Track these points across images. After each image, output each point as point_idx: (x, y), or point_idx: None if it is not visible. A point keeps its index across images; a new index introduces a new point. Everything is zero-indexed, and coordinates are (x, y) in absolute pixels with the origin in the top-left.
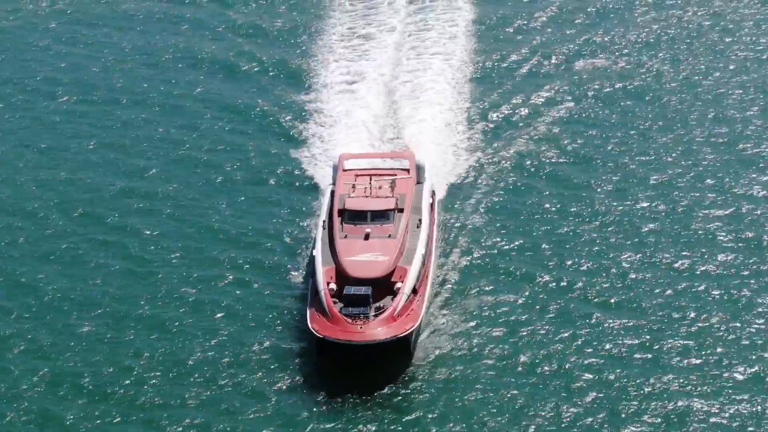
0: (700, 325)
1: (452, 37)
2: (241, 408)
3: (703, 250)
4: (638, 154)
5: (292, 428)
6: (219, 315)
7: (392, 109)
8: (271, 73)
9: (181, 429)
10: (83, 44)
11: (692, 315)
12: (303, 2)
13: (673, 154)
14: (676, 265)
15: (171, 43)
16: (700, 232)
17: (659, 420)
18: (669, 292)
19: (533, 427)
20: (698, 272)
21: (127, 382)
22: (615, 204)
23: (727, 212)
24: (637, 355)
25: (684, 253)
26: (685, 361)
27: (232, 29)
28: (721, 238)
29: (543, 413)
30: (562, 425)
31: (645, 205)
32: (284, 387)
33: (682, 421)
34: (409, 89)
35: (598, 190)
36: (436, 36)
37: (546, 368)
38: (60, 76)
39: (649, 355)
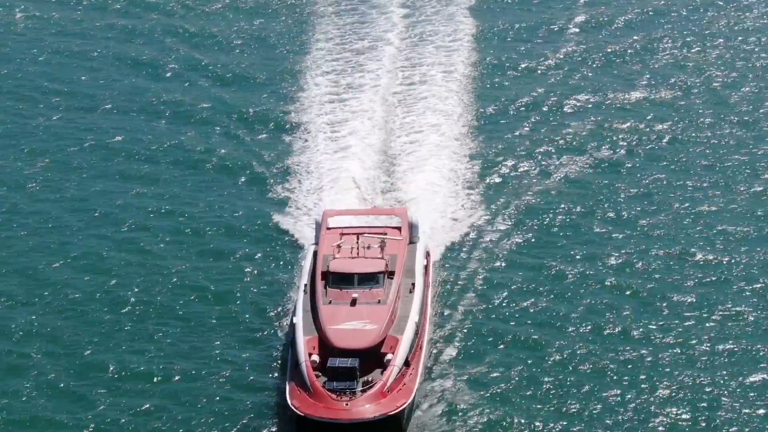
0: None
1: (450, 80)
2: None
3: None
4: (650, 212)
5: None
6: (185, 388)
7: (384, 159)
8: (249, 119)
9: None
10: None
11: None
12: (284, 45)
13: (688, 219)
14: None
15: (138, 91)
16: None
17: None
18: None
19: None
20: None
21: None
22: (627, 269)
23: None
24: None
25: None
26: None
27: (209, 74)
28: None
29: None
30: None
31: (656, 273)
32: None
33: None
34: (403, 137)
35: (609, 252)
36: (432, 78)
37: None
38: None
39: None
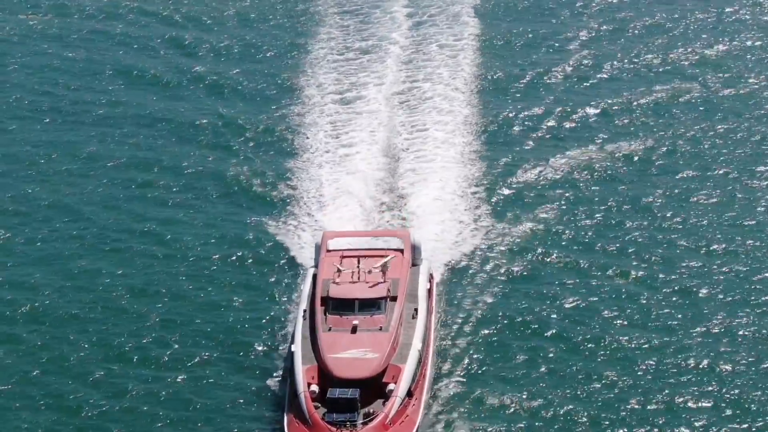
0: None
1: (454, 90)
2: None
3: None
4: (667, 233)
5: None
6: (179, 415)
7: (386, 176)
8: (247, 134)
9: None
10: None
11: None
12: (284, 56)
13: (706, 220)
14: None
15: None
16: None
17: None
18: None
19: None
20: None
21: None
22: (641, 292)
23: None
24: None
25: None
26: None
27: (206, 83)
28: None
29: None
30: None
31: (673, 297)
32: None
33: None
34: (406, 156)
35: (622, 274)
36: (436, 93)
37: None
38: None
39: None
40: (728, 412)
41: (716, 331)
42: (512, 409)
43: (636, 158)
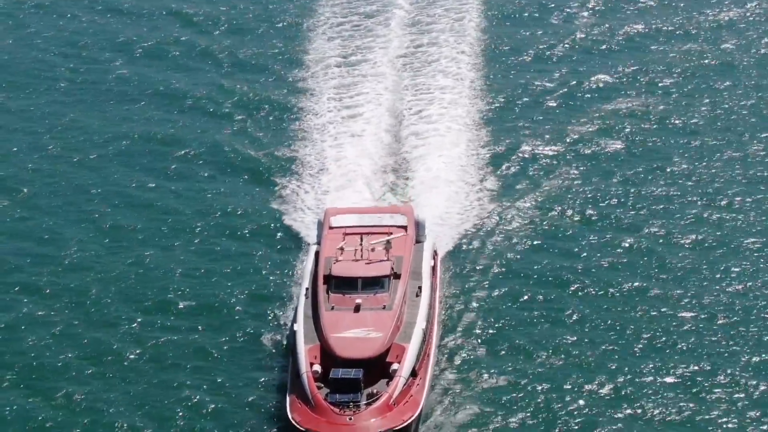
0: None
1: (460, 68)
2: None
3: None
4: (674, 210)
5: None
6: (177, 400)
7: (390, 151)
8: (249, 114)
9: None
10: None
11: None
12: (288, 30)
13: (705, 200)
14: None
15: (144, 79)
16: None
17: None
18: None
19: None
20: None
21: None
22: (648, 269)
23: None
24: None
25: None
26: None
27: (210, 59)
28: None
29: None
30: None
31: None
32: None
33: None
34: (410, 131)
35: (629, 250)
36: (443, 66)
37: None
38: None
39: None
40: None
41: (739, 287)
42: (518, 388)
43: (647, 127)
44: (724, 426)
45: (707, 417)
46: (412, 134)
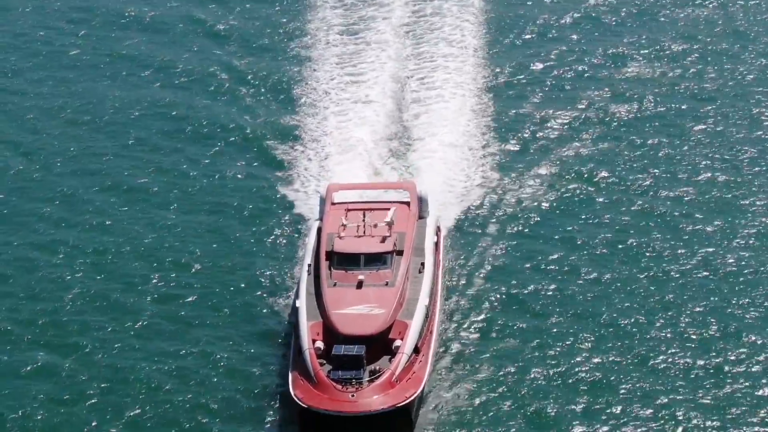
0: None
1: (463, 46)
2: None
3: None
4: (679, 183)
5: None
6: (181, 377)
7: (393, 129)
8: (252, 86)
9: None
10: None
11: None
12: (291, 7)
13: (704, 178)
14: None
15: (143, 53)
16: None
17: None
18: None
19: None
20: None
21: None
22: (654, 243)
23: None
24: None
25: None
26: None
27: (210, 37)
28: None
29: None
30: None
31: (683, 246)
32: None
33: None
34: (413, 107)
35: (633, 225)
36: (446, 34)
37: None
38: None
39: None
40: None
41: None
42: (522, 365)
43: (657, 92)
44: (745, 380)
45: (718, 370)
46: (415, 101)
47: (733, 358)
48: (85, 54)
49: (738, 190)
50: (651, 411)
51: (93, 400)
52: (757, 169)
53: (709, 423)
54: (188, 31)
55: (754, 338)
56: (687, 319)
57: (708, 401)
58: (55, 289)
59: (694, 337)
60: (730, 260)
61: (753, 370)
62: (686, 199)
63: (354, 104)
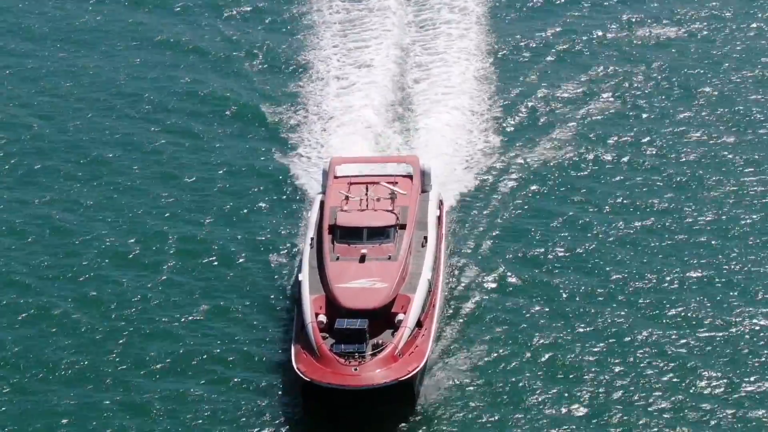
0: None
1: (467, 24)
2: None
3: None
4: (681, 159)
5: None
6: (183, 351)
7: (396, 101)
8: (254, 61)
9: None
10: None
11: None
12: None
13: (706, 160)
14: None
15: (140, 27)
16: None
17: None
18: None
19: None
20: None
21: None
22: (657, 218)
23: None
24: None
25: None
26: None
27: (212, 11)
28: None
29: None
30: None
31: (689, 220)
32: None
33: None
34: (416, 81)
35: (637, 202)
36: (448, 19)
37: (572, 419)
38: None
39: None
40: None
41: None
42: (524, 337)
43: (660, 72)
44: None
45: (729, 324)
46: (417, 66)
47: (740, 310)
48: (98, 24)
49: (748, 151)
50: (664, 362)
51: (112, 353)
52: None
53: (721, 375)
54: (188, 1)
55: (762, 294)
56: (697, 274)
57: (721, 354)
58: (75, 246)
59: (702, 288)
60: (740, 220)
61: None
62: (696, 159)
63: (356, 70)
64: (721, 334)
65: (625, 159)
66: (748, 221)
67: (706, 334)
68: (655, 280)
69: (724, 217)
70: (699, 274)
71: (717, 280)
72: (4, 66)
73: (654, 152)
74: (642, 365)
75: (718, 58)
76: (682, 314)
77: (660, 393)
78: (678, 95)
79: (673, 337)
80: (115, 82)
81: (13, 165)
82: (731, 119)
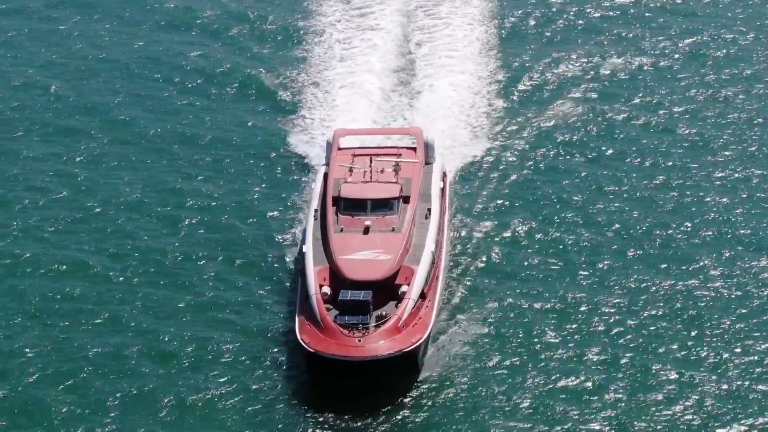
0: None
1: None
2: None
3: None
4: (691, 118)
5: None
6: (187, 321)
7: (399, 75)
8: (255, 32)
9: None
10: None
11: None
12: None
13: (712, 134)
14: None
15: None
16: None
17: None
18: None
19: None
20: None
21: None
22: (667, 175)
23: None
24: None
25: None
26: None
27: None
28: None
29: None
30: None
31: (699, 178)
32: (266, 410)
33: None
34: (420, 52)
35: (641, 174)
36: None
37: (575, 392)
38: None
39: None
40: None
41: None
42: (526, 309)
43: (665, 42)
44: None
45: (741, 284)
46: (420, 30)
47: (749, 265)
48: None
49: (758, 110)
50: (674, 312)
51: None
52: None
53: (730, 324)
54: None
55: None
56: (708, 230)
57: (729, 305)
58: (96, 202)
59: (711, 243)
60: (751, 177)
61: None
62: (706, 118)
63: (360, 33)
64: (730, 286)
65: (634, 120)
66: (757, 178)
67: (717, 285)
68: (665, 236)
69: (735, 175)
70: (709, 231)
71: (727, 235)
72: (23, 28)
73: (663, 112)
74: (652, 316)
75: (727, 20)
76: (693, 268)
77: (670, 341)
78: (687, 56)
79: (683, 289)
80: (131, 47)
81: (36, 124)
82: (740, 79)
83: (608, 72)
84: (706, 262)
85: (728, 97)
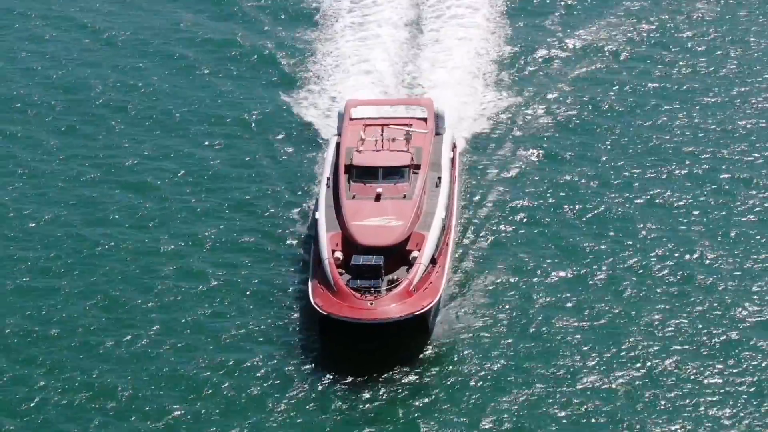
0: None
1: None
2: (231, 396)
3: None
4: (699, 102)
5: (291, 415)
6: (204, 286)
7: (410, 44)
8: (268, 5)
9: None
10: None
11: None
12: None
13: (716, 116)
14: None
15: None
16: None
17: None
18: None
19: (557, 419)
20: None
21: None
22: (670, 166)
23: None
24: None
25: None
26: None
27: None
28: None
29: (568, 407)
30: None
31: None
32: (281, 371)
33: None
34: (430, 24)
35: (650, 144)
36: None
37: (580, 357)
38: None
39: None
40: None
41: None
42: (534, 275)
43: (673, 25)
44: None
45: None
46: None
47: (755, 249)
48: None
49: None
50: (679, 290)
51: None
52: None
53: (732, 301)
54: None
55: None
56: (714, 215)
57: (735, 285)
58: (114, 175)
59: (716, 227)
60: (755, 161)
61: None
62: (714, 104)
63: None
64: (734, 269)
65: (648, 95)
66: (761, 162)
67: (723, 267)
68: (669, 219)
69: (740, 158)
70: (715, 215)
71: (734, 219)
72: (38, 15)
73: (671, 95)
74: (658, 292)
75: (732, 6)
76: (697, 250)
77: (675, 317)
78: (695, 40)
79: (688, 269)
80: (143, 23)
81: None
82: (745, 65)
83: (619, 50)
84: (712, 246)
85: (735, 82)
